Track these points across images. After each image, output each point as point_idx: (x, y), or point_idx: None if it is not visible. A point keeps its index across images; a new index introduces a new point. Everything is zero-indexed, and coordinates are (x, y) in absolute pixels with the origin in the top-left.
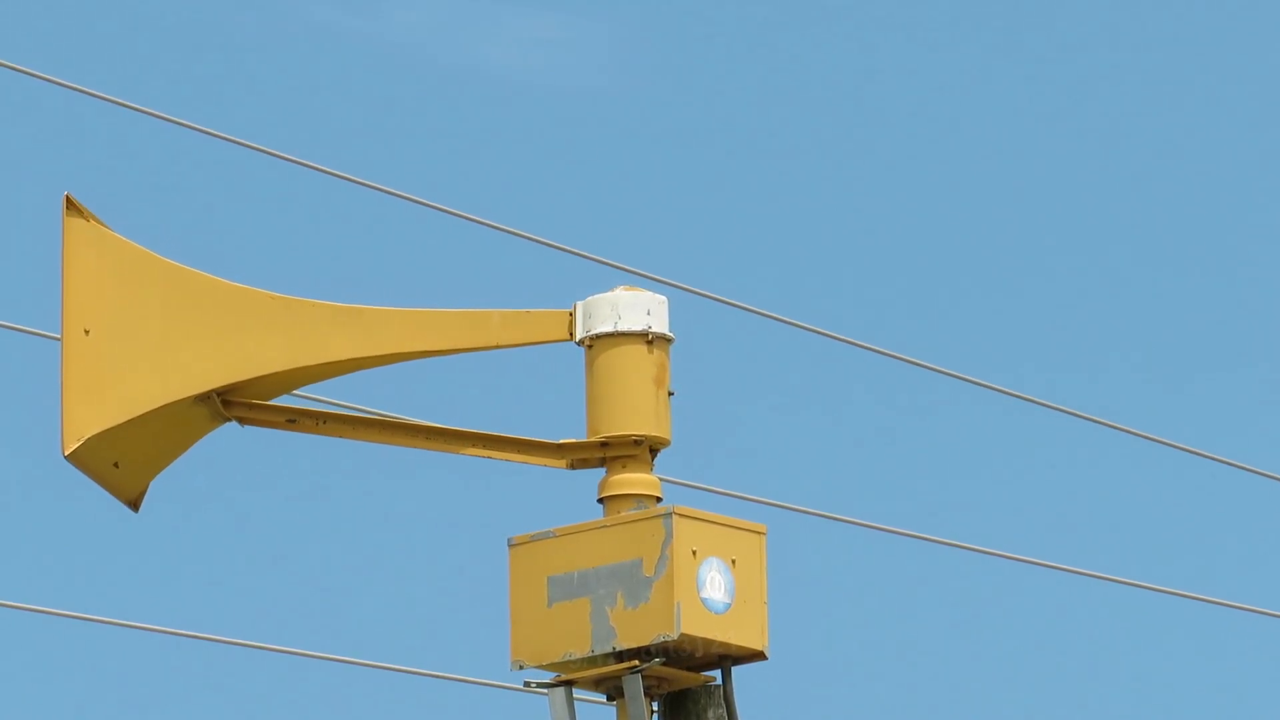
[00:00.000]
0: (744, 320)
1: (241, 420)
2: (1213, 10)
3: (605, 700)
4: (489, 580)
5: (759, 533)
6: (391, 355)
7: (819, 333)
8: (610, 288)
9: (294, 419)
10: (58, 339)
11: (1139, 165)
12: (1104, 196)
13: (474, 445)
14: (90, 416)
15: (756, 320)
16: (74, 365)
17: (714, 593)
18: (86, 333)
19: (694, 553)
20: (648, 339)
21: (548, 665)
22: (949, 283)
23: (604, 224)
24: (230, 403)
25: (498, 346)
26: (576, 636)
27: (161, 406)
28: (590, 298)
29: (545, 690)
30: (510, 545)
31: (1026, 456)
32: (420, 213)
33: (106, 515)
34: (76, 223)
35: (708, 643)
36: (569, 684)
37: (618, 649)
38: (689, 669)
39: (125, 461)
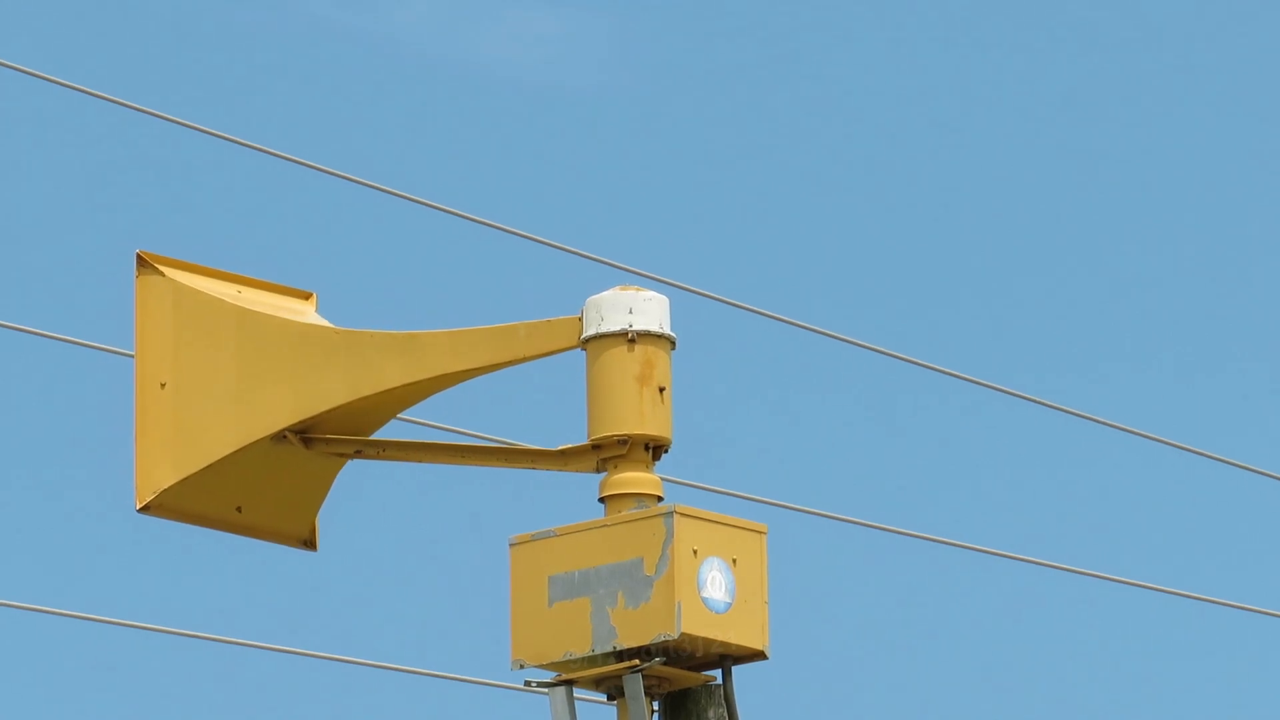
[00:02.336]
0: (744, 320)
1: (349, 455)
2: (1213, 10)
3: (606, 700)
4: (490, 580)
5: (760, 532)
6: (437, 378)
7: (819, 333)
8: (609, 288)
9: (360, 449)
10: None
11: (1139, 165)
12: (1104, 197)
13: (497, 459)
14: (165, 469)
15: (756, 320)
16: (149, 419)
17: (715, 592)
18: (162, 386)
19: (695, 552)
20: (628, 338)
21: (548, 665)
22: (949, 283)
23: (604, 223)
24: (310, 439)
25: (525, 359)
26: (577, 636)
27: (236, 451)
28: (588, 300)
29: (546, 690)
30: (511, 545)
31: (1026, 456)
32: (418, 212)
33: (108, 515)
34: (150, 280)
35: (708, 642)
36: (569, 683)
37: (618, 648)
38: (689, 668)
39: (248, 506)
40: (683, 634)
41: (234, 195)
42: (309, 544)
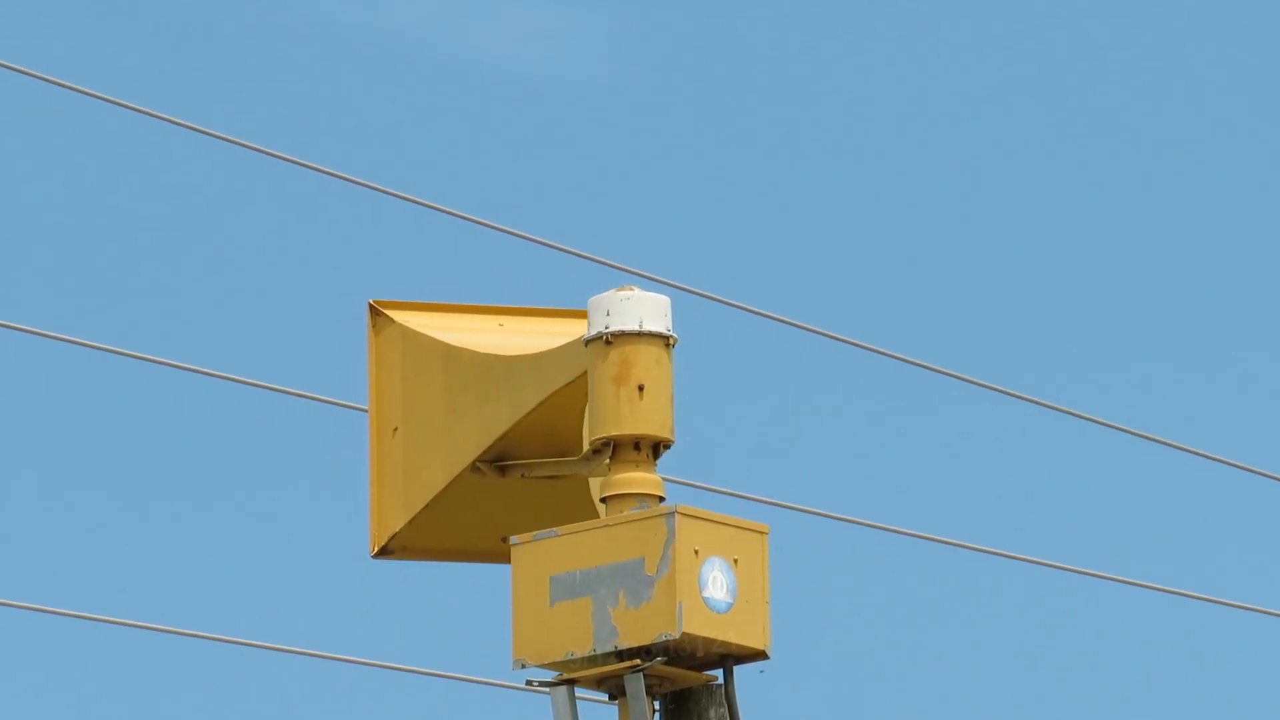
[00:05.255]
0: (745, 320)
1: (518, 479)
2: (1213, 10)
3: (607, 699)
4: (492, 578)
5: (761, 532)
6: (558, 395)
7: (819, 333)
8: (610, 288)
9: (523, 473)
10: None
11: (1139, 165)
12: (1104, 196)
13: (553, 470)
14: (396, 513)
15: (757, 320)
16: (383, 466)
17: (716, 592)
18: (394, 431)
19: (696, 552)
20: (604, 340)
21: (550, 664)
22: (949, 283)
23: (603, 220)
24: (505, 467)
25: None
26: (578, 635)
27: (446, 487)
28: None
29: (547, 689)
30: (513, 545)
31: (1027, 456)
32: (416, 210)
33: (109, 516)
34: (382, 327)
35: (709, 642)
36: (571, 683)
37: (619, 648)
38: (691, 668)
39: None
40: (684, 634)
41: (229, 194)
42: None
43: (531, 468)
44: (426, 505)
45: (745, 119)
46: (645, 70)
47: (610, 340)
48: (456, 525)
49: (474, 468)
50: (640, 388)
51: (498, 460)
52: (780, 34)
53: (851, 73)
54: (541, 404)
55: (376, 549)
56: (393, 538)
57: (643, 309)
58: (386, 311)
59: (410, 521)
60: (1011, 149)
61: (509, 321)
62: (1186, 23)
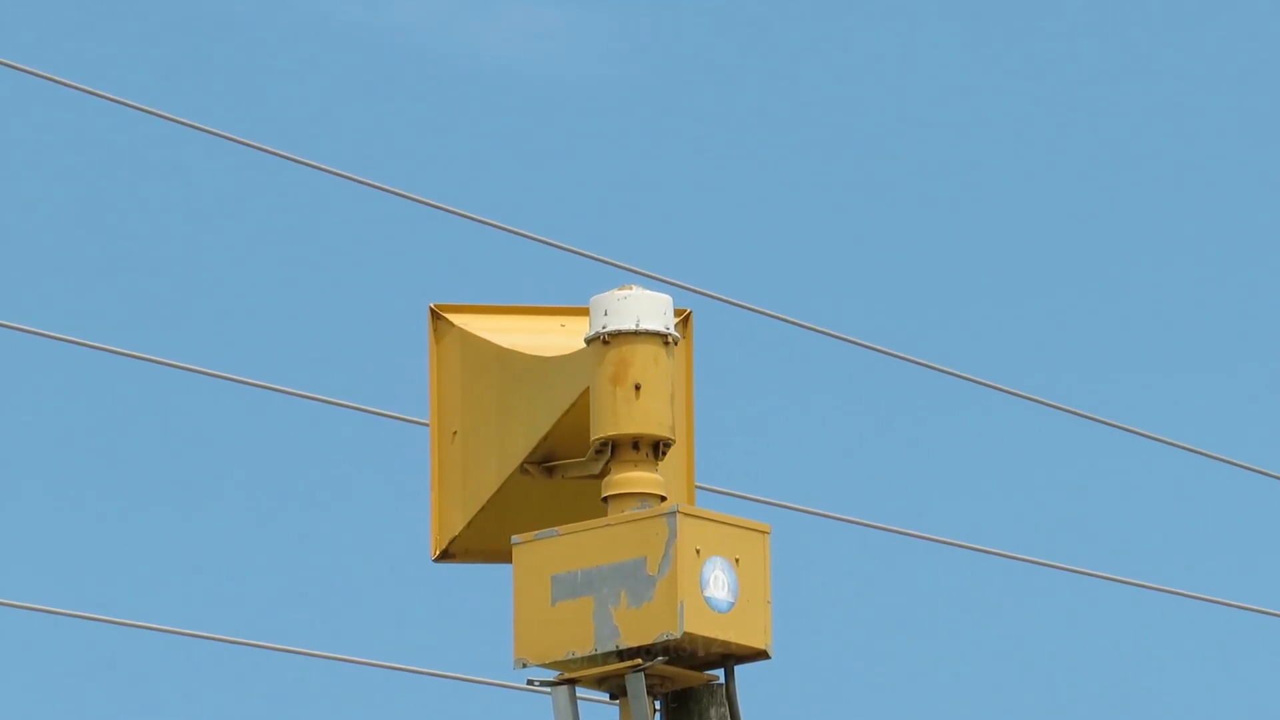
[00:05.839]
0: (748, 320)
1: (566, 479)
2: (1212, 10)
3: (608, 699)
4: (493, 577)
5: (763, 532)
6: (585, 395)
7: (822, 333)
8: (610, 287)
9: (563, 473)
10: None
11: (1139, 164)
12: (1104, 196)
13: (571, 471)
14: (456, 517)
15: (760, 320)
16: (444, 470)
17: (717, 592)
18: (454, 435)
19: (697, 552)
20: (602, 340)
21: (551, 664)
22: (951, 283)
23: (604, 220)
24: (551, 468)
25: None
26: (580, 635)
27: (499, 489)
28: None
29: (548, 689)
30: (514, 544)
31: (1027, 456)
32: (415, 209)
33: (109, 515)
34: (442, 331)
35: (711, 642)
36: (572, 682)
37: (621, 648)
38: (692, 668)
39: None
40: (685, 633)
41: (228, 193)
42: None
43: (568, 468)
44: (482, 508)
45: (746, 118)
46: (645, 70)
47: (608, 340)
48: (511, 527)
49: (522, 469)
50: (637, 387)
51: (544, 461)
52: (781, 33)
53: (853, 72)
54: (575, 403)
55: (438, 553)
56: (453, 541)
57: (640, 308)
58: (447, 315)
59: (468, 524)
60: (1012, 149)
61: (570, 322)
62: (1186, 23)
